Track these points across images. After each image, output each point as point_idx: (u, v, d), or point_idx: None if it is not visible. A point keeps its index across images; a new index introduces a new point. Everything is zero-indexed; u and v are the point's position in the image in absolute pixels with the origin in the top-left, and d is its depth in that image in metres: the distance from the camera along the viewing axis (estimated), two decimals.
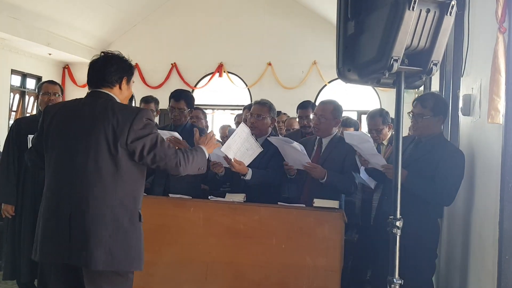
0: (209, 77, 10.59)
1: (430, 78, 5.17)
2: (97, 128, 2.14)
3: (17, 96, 9.99)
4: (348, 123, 4.61)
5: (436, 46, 1.92)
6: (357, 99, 9.73)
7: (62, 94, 3.66)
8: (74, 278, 2.23)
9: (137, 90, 10.52)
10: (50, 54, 10.10)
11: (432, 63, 1.96)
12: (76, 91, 10.51)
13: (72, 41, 9.95)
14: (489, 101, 2.02)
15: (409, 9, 1.78)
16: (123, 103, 2.33)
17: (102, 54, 2.30)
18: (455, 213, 3.41)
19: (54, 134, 2.24)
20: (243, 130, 3.14)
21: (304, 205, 2.98)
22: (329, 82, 9.82)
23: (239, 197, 3.05)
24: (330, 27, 9.11)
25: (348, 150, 3.12)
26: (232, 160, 3.07)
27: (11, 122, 8.92)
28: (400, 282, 2.02)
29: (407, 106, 2.41)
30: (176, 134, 3.29)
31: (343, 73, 2.13)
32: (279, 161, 3.24)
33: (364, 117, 7.93)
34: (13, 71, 9.64)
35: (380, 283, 2.98)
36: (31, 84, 10.17)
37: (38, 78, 10.13)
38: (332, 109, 3.32)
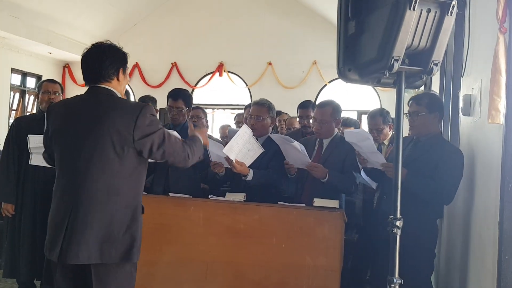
0: (209, 76, 10.58)
1: (431, 78, 5.17)
2: (101, 125, 2.14)
3: (17, 95, 9.99)
4: (348, 123, 4.61)
5: (437, 46, 1.92)
6: (357, 99, 9.73)
7: (62, 93, 3.67)
8: (79, 276, 2.24)
9: (137, 89, 10.56)
10: (50, 53, 10.10)
11: (432, 63, 1.96)
12: (76, 90, 10.50)
13: (73, 40, 9.95)
14: (489, 101, 2.02)
15: (409, 9, 1.78)
16: (122, 93, 2.34)
17: (93, 46, 2.26)
18: (455, 213, 3.41)
19: (58, 133, 2.25)
20: (245, 132, 3.14)
21: (304, 205, 2.98)
22: (329, 82, 9.81)
23: (239, 197, 3.05)
24: (331, 27, 9.11)
25: (348, 150, 3.12)
26: (234, 162, 3.07)
27: (11, 121, 8.91)
28: (400, 281, 2.02)
29: (405, 106, 2.41)
30: (175, 133, 3.29)
31: (343, 73, 2.13)
32: (279, 161, 3.24)
33: (364, 117, 7.94)
34: (13, 70, 9.64)
35: (380, 282, 2.99)
36: (31, 83, 10.17)
37: (38, 77, 10.13)
38: (331, 111, 3.31)
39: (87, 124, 2.17)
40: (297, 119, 4.74)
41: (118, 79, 2.28)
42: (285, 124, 5.44)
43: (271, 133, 3.50)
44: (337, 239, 2.79)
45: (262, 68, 10.24)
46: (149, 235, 3.02)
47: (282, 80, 10.10)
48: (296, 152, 3.11)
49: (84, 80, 2.30)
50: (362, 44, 2.05)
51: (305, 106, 4.34)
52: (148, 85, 10.65)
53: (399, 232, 2.02)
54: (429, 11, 1.85)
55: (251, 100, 9.54)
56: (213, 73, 10.52)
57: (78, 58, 2.43)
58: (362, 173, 3.26)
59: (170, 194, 3.18)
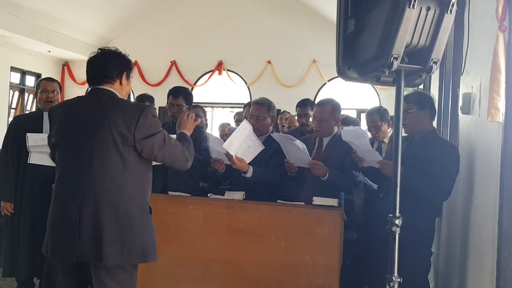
0: (208, 75, 10.58)
1: (430, 77, 5.18)
2: (103, 126, 2.15)
3: (17, 94, 9.99)
4: (347, 121, 4.61)
5: (436, 44, 1.91)
6: (356, 97, 9.72)
7: (60, 91, 3.66)
8: (81, 276, 2.25)
9: (136, 87, 10.53)
10: (49, 52, 10.08)
11: (432, 61, 1.95)
12: (76, 89, 10.51)
13: (72, 38, 9.94)
14: (489, 100, 2.01)
15: (409, 7, 1.78)
16: (125, 98, 2.36)
17: (100, 51, 2.30)
18: (454, 212, 3.41)
19: (60, 133, 2.26)
20: (246, 127, 3.14)
21: (303, 203, 2.98)
22: (328, 80, 9.81)
23: (239, 195, 3.05)
24: (330, 25, 9.09)
25: (348, 149, 3.12)
26: (234, 157, 3.07)
27: (11, 119, 8.91)
28: (399, 280, 2.02)
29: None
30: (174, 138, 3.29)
31: (343, 71, 2.12)
32: (280, 160, 3.24)
33: (363, 116, 7.93)
34: (13, 68, 9.64)
35: (377, 281, 2.99)
36: (30, 81, 10.16)
37: (38, 76, 10.12)
38: (330, 110, 3.31)
39: (89, 124, 2.18)
40: (296, 117, 4.74)
41: (121, 83, 2.31)
42: (286, 123, 5.44)
43: (272, 132, 3.50)
44: (336, 237, 2.79)
45: (262, 66, 10.23)
46: None
47: (282, 79, 10.10)
48: (297, 151, 3.11)
49: (88, 81, 2.32)
50: (361, 42, 2.04)
51: (303, 104, 4.34)
52: (148, 83, 10.65)
53: (398, 230, 2.02)
54: (428, 9, 1.84)
55: (251, 99, 9.55)
56: (212, 71, 10.51)
57: (78, 56, 2.44)
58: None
59: (169, 193, 3.18)
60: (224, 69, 10.46)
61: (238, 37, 10.27)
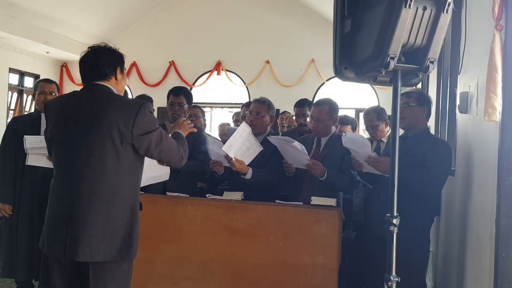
0: (207, 75, 10.58)
1: (428, 76, 5.19)
2: (100, 122, 2.15)
3: (15, 95, 9.98)
4: (345, 121, 4.62)
5: (433, 44, 1.92)
6: (355, 97, 9.74)
7: (58, 93, 3.66)
8: (76, 274, 2.24)
9: (135, 88, 10.55)
10: (48, 53, 10.08)
11: (428, 61, 1.95)
12: (74, 89, 10.48)
13: (70, 39, 9.94)
14: (486, 99, 2.02)
15: (405, 6, 1.78)
16: (121, 93, 2.35)
17: (90, 49, 2.29)
18: (452, 210, 3.42)
19: (56, 129, 2.25)
20: (244, 130, 3.14)
21: (301, 203, 2.98)
22: (327, 80, 9.81)
23: (237, 195, 3.05)
24: (328, 25, 9.08)
25: (346, 149, 3.12)
26: (233, 160, 3.07)
27: (9, 120, 8.90)
28: (397, 279, 2.02)
29: None
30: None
31: (340, 71, 2.12)
32: (278, 160, 3.24)
33: (362, 115, 7.94)
34: (11, 70, 9.63)
35: (372, 280, 2.99)
36: (29, 82, 10.16)
37: (36, 77, 10.11)
38: (327, 110, 3.31)
39: (85, 120, 2.17)
40: (294, 117, 4.75)
41: (116, 78, 2.30)
42: (286, 122, 5.45)
43: (269, 132, 3.50)
44: (335, 237, 2.80)
45: (260, 66, 10.23)
46: (147, 234, 3.02)
47: (280, 79, 10.10)
48: (295, 152, 3.11)
49: (82, 80, 2.31)
50: (358, 42, 2.05)
51: (301, 104, 4.35)
52: (146, 84, 10.64)
53: (395, 230, 2.02)
54: (425, 8, 1.85)
55: (249, 99, 9.56)
56: (211, 71, 10.51)
57: (76, 57, 2.44)
58: None
59: (168, 193, 3.18)
60: (222, 69, 10.46)
61: (236, 37, 10.28)
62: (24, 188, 3.47)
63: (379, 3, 1.89)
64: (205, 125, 4.88)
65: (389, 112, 3.64)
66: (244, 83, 10.44)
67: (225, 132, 5.20)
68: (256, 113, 3.40)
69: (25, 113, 9.62)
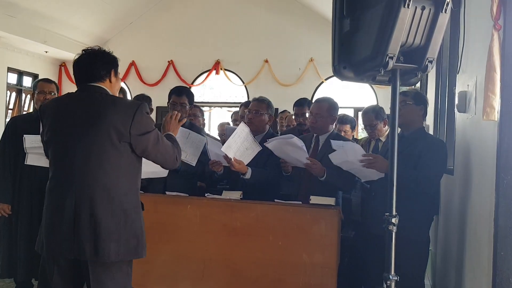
0: (206, 74, 10.57)
1: (427, 75, 5.20)
2: (98, 122, 2.15)
3: (14, 94, 9.97)
4: (344, 120, 4.62)
5: (431, 43, 1.92)
6: (354, 96, 9.74)
7: (57, 92, 3.65)
8: (76, 274, 2.25)
9: (134, 87, 10.55)
10: (46, 52, 10.07)
11: (427, 60, 1.96)
12: (73, 89, 10.19)
13: (69, 38, 9.93)
14: (484, 98, 2.02)
15: (404, 6, 1.78)
16: (116, 95, 2.36)
17: (84, 52, 2.29)
18: (451, 210, 3.43)
19: (53, 132, 2.25)
20: (243, 130, 3.15)
21: (300, 202, 2.99)
22: (326, 79, 9.82)
23: (236, 195, 3.05)
24: (327, 24, 9.07)
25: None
26: (232, 160, 3.08)
27: (8, 120, 8.90)
28: (396, 278, 2.02)
29: None
30: None
31: (338, 71, 2.13)
32: (277, 159, 3.25)
33: (360, 114, 7.94)
34: (10, 69, 9.62)
35: (371, 278, 3.00)
36: (27, 82, 10.15)
37: (35, 76, 10.11)
38: (327, 107, 3.32)
39: (83, 120, 2.17)
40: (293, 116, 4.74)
41: (110, 81, 2.30)
42: (285, 121, 5.45)
43: (268, 132, 3.50)
44: (334, 236, 2.80)
45: (259, 65, 10.23)
46: (146, 233, 3.02)
47: (279, 78, 10.10)
48: (293, 152, 3.11)
49: (76, 82, 2.31)
50: (357, 42, 2.05)
51: (300, 104, 4.35)
52: (145, 83, 10.64)
53: (394, 229, 2.03)
54: (423, 8, 1.85)
55: (248, 98, 9.55)
56: (209, 71, 10.51)
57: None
58: None
59: (167, 193, 3.18)
60: (221, 69, 10.46)
61: (235, 36, 10.27)
62: (23, 188, 3.47)
63: (378, 2, 1.89)
64: (204, 124, 4.87)
65: (387, 111, 3.65)
66: (243, 83, 10.44)
67: (225, 132, 5.20)
68: (255, 111, 3.41)
69: (24, 112, 9.60)
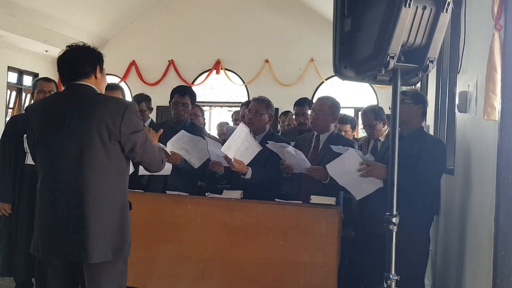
0: (206, 74, 10.58)
1: (427, 75, 5.20)
2: (88, 121, 2.12)
3: (14, 93, 9.97)
4: (345, 120, 4.62)
5: (432, 43, 1.92)
6: (354, 96, 9.75)
7: (57, 91, 3.65)
8: (71, 275, 2.23)
9: (134, 87, 10.56)
10: (47, 51, 10.07)
11: (428, 60, 1.96)
12: None
13: (69, 38, 9.90)
14: (485, 98, 2.02)
15: (405, 6, 1.78)
16: (102, 92, 2.33)
17: (68, 48, 2.26)
18: (451, 209, 3.43)
19: (42, 133, 2.21)
20: (243, 130, 3.15)
21: (301, 202, 2.99)
22: (326, 79, 9.82)
23: (236, 194, 3.06)
24: (328, 24, 9.11)
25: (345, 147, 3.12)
26: (232, 160, 3.08)
27: (8, 119, 8.90)
28: (396, 278, 2.02)
29: None
30: (167, 148, 3.30)
31: (339, 70, 2.13)
32: (277, 159, 3.24)
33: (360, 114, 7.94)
34: (10, 68, 9.62)
35: (371, 278, 3.00)
36: (28, 81, 10.15)
37: (35, 75, 10.11)
38: (329, 104, 3.33)
39: (72, 120, 2.14)
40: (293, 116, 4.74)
41: (95, 77, 2.27)
42: (286, 121, 5.46)
43: (269, 131, 3.50)
44: (334, 236, 2.80)
45: (259, 65, 10.24)
46: (146, 232, 3.03)
47: (279, 78, 10.11)
48: (293, 158, 3.11)
49: (61, 80, 2.28)
50: (358, 42, 2.05)
51: (301, 103, 4.35)
52: (145, 82, 10.65)
53: (395, 228, 2.03)
54: (424, 8, 1.85)
55: (249, 98, 9.56)
56: (210, 70, 10.52)
57: None
58: None
59: (167, 192, 3.18)
60: (221, 68, 10.47)
61: (235, 36, 10.28)
62: (23, 187, 3.47)
63: (379, 2, 1.89)
64: (204, 124, 4.88)
65: (387, 111, 3.65)
66: (243, 82, 10.44)
67: (224, 131, 5.20)
68: (255, 111, 3.41)
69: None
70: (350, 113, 8.86)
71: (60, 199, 2.14)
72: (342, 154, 2.90)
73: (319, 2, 9.45)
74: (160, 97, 7.48)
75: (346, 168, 2.84)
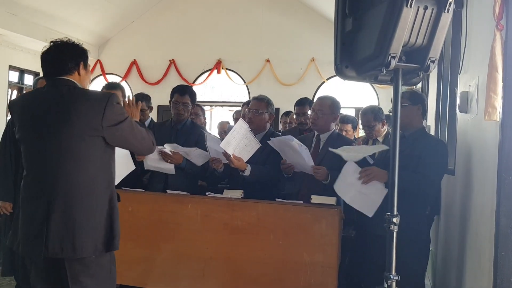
0: (207, 73, 10.57)
1: (428, 75, 5.19)
2: (69, 117, 2.10)
3: (15, 92, 9.97)
4: (346, 120, 4.63)
5: (434, 43, 1.92)
6: (355, 96, 9.74)
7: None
8: (55, 272, 2.18)
9: (135, 86, 10.57)
10: None
11: (429, 60, 1.96)
12: None
13: (70, 37, 9.64)
14: (486, 98, 2.02)
15: (406, 6, 1.78)
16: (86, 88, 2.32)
17: (52, 43, 2.25)
18: (452, 210, 3.43)
19: (24, 129, 2.20)
20: (242, 126, 3.15)
21: (301, 202, 2.99)
22: (327, 79, 9.81)
23: (237, 194, 3.06)
24: (329, 24, 9.10)
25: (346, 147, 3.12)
26: (231, 156, 3.08)
27: (9, 118, 8.89)
28: (396, 278, 2.02)
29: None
30: (166, 149, 3.31)
31: (340, 70, 2.13)
32: (277, 157, 3.24)
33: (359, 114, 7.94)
34: (11, 67, 9.62)
35: (372, 277, 2.99)
36: (29, 80, 10.15)
37: (36, 74, 10.10)
38: (330, 104, 3.33)
39: (53, 116, 2.13)
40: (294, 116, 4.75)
41: (79, 73, 2.25)
42: (288, 121, 5.47)
43: (268, 131, 3.50)
44: (335, 235, 2.80)
45: (260, 65, 10.23)
46: (147, 231, 3.04)
47: (280, 77, 10.10)
48: (298, 156, 3.09)
49: (44, 75, 2.28)
50: (359, 41, 2.05)
51: (301, 103, 4.35)
52: (146, 82, 10.64)
53: (396, 228, 2.03)
54: (426, 8, 1.85)
55: (249, 97, 9.56)
56: (211, 70, 10.51)
57: None
58: None
59: (168, 191, 3.19)
60: (222, 68, 10.46)
61: (236, 35, 10.27)
62: None
63: (380, 2, 1.89)
64: (205, 123, 4.89)
65: (386, 111, 3.65)
66: (244, 82, 10.44)
67: (225, 131, 5.20)
68: (255, 110, 3.42)
69: None
70: (351, 113, 8.85)
71: (42, 197, 2.11)
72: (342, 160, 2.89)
73: (320, 1, 9.43)
74: (161, 97, 7.49)
75: (348, 179, 2.84)
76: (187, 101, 3.54)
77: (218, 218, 2.96)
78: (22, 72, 10.03)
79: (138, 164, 3.30)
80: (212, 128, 10.03)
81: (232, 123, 5.97)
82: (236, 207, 2.95)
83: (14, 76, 9.85)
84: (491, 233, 2.09)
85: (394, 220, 2.02)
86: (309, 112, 4.07)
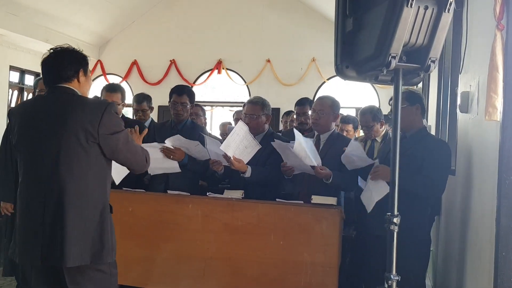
0: (208, 73, 10.58)
1: (429, 75, 5.19)
2: (66, 124, 2.10)
3: (16, 93, 9.98)
4: (347, 120, 4.63)
5: (434, 43, 1.92)
6: (355, 96, 9.74)
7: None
8: (54, 279, 2.19)
9: (135, 86, 10.57)
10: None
11: (430, 60, 1.95)
12: None
13: (71, 37, 9.92)
14: (486, 98, 2.02)
15: (407, 6, 1.78)
16: (86, 95, 2.32)
17: (52, 50, 2.24)
18: (452, 210, 3.43)
19: (21, 136, 2.21)
20: (242, 128, 3.14)
21: (302, 202, 2.99)
22: (328, 79, 9.81)
23: (237, 194, 3.06)
24: (329, 24, 9.09)
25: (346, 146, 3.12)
26: (232, 158, 3.07)
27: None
28: (397, 278, 2.02)
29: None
30: (166, 145, 3.31)
31: (341, 70, 2.13)
32: (278, 158, 3.24)
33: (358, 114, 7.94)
34: (12, 68, 9.63)
35: (372, 278, 2.99)
36: (29, 80, 10.15)
37: (37, 75, 10.10)
38: (330, 103, 3.33)
39: (51, 123, 2.13)
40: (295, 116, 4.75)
41: (78, 81, 2.24)
42: (288, 119, 5.48)
43: (268, 132, 3.49)
44: (335, 235, 2.80)
45: (261, 65, 10.23)
46: (147, 232, 3.04)
47: (281, 77, 10.10)
48: (298, 159, 3.08)
49: (44, 83, 2.27)
50: (359, 41, 2.05)
51: (302, 103, 4.35)
52: (147, 82, 10.65)
53: (396, 229, 2.03)
54: (426, 8, 1.85)
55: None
56: (211, 70, 10.51)
57: None
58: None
59: (168, 191, 3.19)
60: (223, 68, 10.46)
61: (237, 35, 10.28)
62: None
63: (381, 2, 1.89)
64: (205, 123, 4.88)
65: (386, 112, 3.65)
66: (245, 82, 10.44)
67: (227, 131, 5.20)
68: (251, 115, 3.39)
69: None
70: (352, 113, 8.84)
71: (38, 203, 2.11)
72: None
73: (321, 1, 9.43)
74: (162, 97, 7.46)
75: (353, 157, 2.96)
76: (186, 101, 3.54)
77: (219, 218, 2.96)
78: (22, 72, 10.03)
79: None
80: (212, 129, 10.03)
81: (232, 123, 5.97)
82: (237, 207, 2.95)
83: (14, 77, 9.85)
84: (492, 233, 2.09)
85: (395, 220, 2.02)
86: (310, 112, 4.07)
